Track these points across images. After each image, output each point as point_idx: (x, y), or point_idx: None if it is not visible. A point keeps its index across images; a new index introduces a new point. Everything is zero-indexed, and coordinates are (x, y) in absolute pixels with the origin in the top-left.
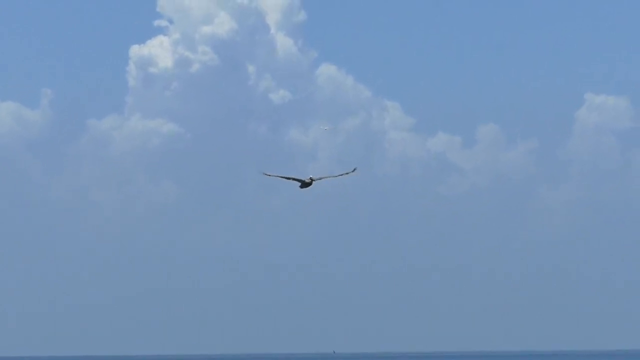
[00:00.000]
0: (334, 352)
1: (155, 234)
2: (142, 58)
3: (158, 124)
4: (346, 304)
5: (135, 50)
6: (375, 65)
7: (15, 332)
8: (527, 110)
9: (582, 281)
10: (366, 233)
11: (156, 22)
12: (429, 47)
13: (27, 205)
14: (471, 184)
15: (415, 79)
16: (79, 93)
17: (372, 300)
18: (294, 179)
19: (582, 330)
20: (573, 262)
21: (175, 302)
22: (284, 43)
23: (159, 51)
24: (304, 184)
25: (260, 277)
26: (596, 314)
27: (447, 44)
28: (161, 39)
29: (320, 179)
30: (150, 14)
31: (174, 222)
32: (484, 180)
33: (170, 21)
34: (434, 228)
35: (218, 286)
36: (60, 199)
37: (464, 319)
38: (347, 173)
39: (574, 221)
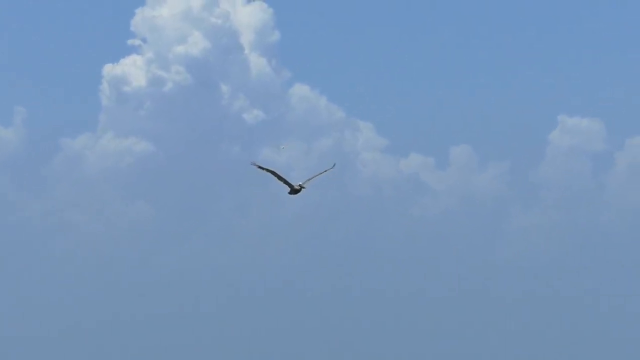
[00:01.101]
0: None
1: (129, 253)
2: (115, 77)
3: (131, 143)
4: (321, 324)
5: (108, 69)
6: (349, 86)
7: None
8: (500, 132)
9: (554, 303)
10: (340, 253)
11: (129, 41)
12: (402, 68)
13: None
14: (444, 205)
15: (389, 100)
16: (53, 111)
17: (347, 320)
18: (284, 181)
19: (554, 352)
20: (546, 283)
21: (150, 323)
22: (257, 63)
23: (132, 70)
24: (293, 191)
25: (235, 298)
26: (569, 336)
27: (420, 65)
28: (134, 58)
29: (307, 180)
30: (123, 33)
31: (148, 241)
32: (456, 202)
33: (144, 40)
34: (407, 249)
35: (193, 306)
36: (33, 218)
37: (437, 340)
38: (326, 170)
39: (546, 243)
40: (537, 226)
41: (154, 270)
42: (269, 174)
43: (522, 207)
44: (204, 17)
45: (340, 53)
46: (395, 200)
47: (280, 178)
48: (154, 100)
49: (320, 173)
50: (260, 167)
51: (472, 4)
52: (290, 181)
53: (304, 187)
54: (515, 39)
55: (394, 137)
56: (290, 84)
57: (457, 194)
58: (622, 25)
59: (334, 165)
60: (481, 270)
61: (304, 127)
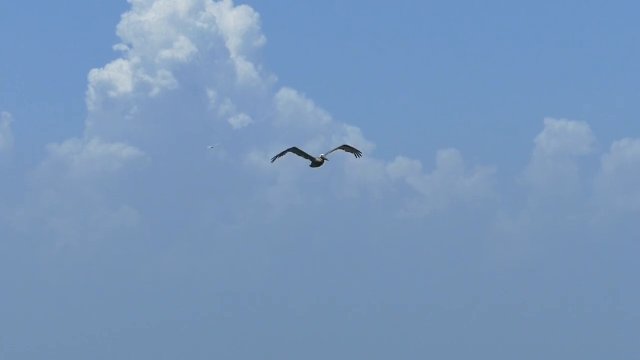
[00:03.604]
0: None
1: (115, 259)
2: (101, 82)
3: (118, 149)
4: (307, 330)
5: (94, 74)
6: (336, 91)
7: None
8: (486, 135)
9: (541, 308)
10: (326, 257)
11: (116, 47)
12: (389, 72)
13: None
14: (431, 209)
15: (376, 105)
16: (39, 117)
17: (334, 326)
18: (305, 155)
19: (541, 357)
20: (533, 287)
21: (135, 329)
22: (244, 67)
23: (119, 75)
24: (315, 163)
25: (220, 304)
26: (556, 340)
27: (407, 69)
28: (121, 63)
29: (330, 152)
30: (109, 38)
31: (134, 247)
32: (444, 206)
33: (130, 45)
34: (393, 253)
35: (179, 313)
36: (19, 223)
37: (423, 344)
38: (357, 150)
39: (533, 247)
40: (524, 230)
41: (140, 276)
42: (289, 152)
43: (509, 210)
44: (190, 21)
45: (327, 58)
46: (382, 204)
47: (300, 153)
48: (140, 105)
49: (343, 147)
50: (278, 156)
51: (457, 8)
52: (311, 155)
53: (326, 159)
54: (501, 43)
55: (381, 141)
56: (277, 89)
57: (444, 197)
58: (607, 29)
59: (360, 153)
60: (468, 274)
61: (291, 131)
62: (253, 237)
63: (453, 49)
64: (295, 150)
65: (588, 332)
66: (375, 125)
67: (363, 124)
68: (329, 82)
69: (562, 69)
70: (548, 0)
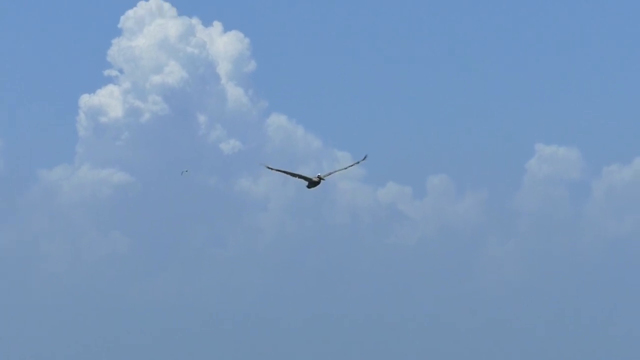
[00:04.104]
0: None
1: (105, 284)
2: (92, 107)
3: (108, 174)
4: (297, 354)
5: (85, 99)
6: (326, 116)
7: None
8: (477, 161)
9: (531, 333)
10: (317, 282)
11: (106, 72)
12: (379, 98)
13: None
14: (421, 235)
15: (366, 130)
16: (29, 142)
17: (323, 349)
18: (299, 176)
19: None
20: (523, 312)
21: (126, 353)
22: (234, 93)
23: (109, 101)
24: (312, 183)
25: (211, 328)
26: None
27: (397, 95)
28: (111, 88)
29: (329, 174)
30: (100, 63)
31: (124, 272)
32: (434, 231)
33: (121, 71)
34: (383, 278)
35: (169, 337)
36: (8, 248)
37: None
38: (357, 162)
39: (524, 271)
40: (515, 255)
41: (130, 301)
42: (283, 174)
43: (499, 235)
44: (180, 47)
45: (317, 83)
46: (373, 229)
47: (294, 175)
48: (131, 130)
49: (347, 167)
50: (271, 169)
51: (448, 33)
52: (305, 175)
53: (323, 179)
54: (492, 68)
55: (371, 166)
56: (267, 114)
57: (435, 223)
58: (597, 54)
59: (365, 157)
60: (458, 299)
61: (281, 157)
62: (244, 262)
63: (444, 75)
64: (287, 172)
65: (578, 354)
66: (365, 150)
67: (353, 149)
68: (319, 107)
69: (553, 95)
70: (538, 27)
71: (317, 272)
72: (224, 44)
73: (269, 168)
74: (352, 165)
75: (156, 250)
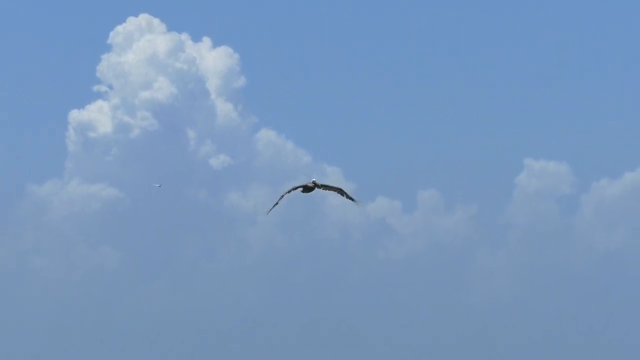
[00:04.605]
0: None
1: (95, 299)
2: (81, 123)
3: (98, 189)
4: None
5: (74, 115)
6: (315, 131)
7: None
8: (467, 176)
9: (521, 346)
10: (307, 297)
11: (95, 87)
12: (369, 113)
13: None
14: (411, 249)
15: (356, 145)
16: (19, 157)
17: None
18: (294, 189)
19: None
20: (513, 326)
21: None
22: (223, 108)
23: (99, 116)
24: (307, 189)
25: (201, 342)
26: None
27: (386, 109)
28: (100, 104)
29: (324, 187)
30: (89, 79)
31: (114, 287)
32: (423, 245)
33: (110, 86)
34: (373, 292)
35: (160, 351)
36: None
37: None
38: (354, 200)
39: (514, 285)
40: (505, 269)
41: (120, 316)
42: (284, 198)
43: (489, 250)
44: (169, 62)
45: (307, 98)
46: (362, 244)
47: (290, 191)
48: (120, 146)
49: (343, 195)
50: (273, 207)
51: (435, 47)
52: (300, 185)
53: (318, 186)
54: (481, 83)
55: (361, 181)
56: (256, 129)
57: (424, 237)
58: (587, 69)
59: (362, 204)
60: (449, 313)
61: (271, 172)
62: (233, 277)
63: (432, 89)
64: (283, 196)
65: None
66: (355, 165)
67: (343, 164)
68: (308, 123)
69: (542, 110)
70: (526, 42)
71: (306, 287)
72: (213, 60)
73: (272, 208)
74: (348, 197)
75: (146, 265)
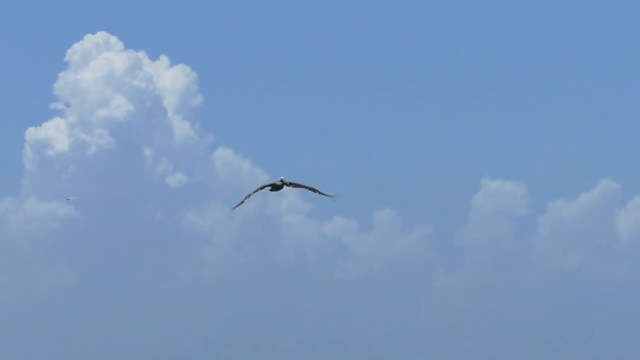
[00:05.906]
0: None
1: (51, 317)
2: (38, 141)
3: (54, 207)
4: None
5: (31, 132)
6: (272, 150)
7: None
8: (423, 196)
9: None
10: (263, 316)
11: (52, 105)
12: (326, 132)
13: None
14: (368, 269)
15: (312, 164)
16: None
17: None
18: (263, 187)
19: None
20: (470, 346)
21: None
22: (181, 126)
23: (55, 134)
24: (275, 187)
25: None
26: None
27: (343, 129)
28: (57, 121)
29: (293, 184)
30: (46, 96)
31: (70, 305)
32: (380, 265)
33: (67, 104)
34: (330, 312)
35: None
36: None
37: None
38: (325, 194)
39: (470, 305)
40: (461, 289)
41: (77, 334)
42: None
43: (445, 270)
44: (127, 80)
45: (264, 117)
46: (319, 264)
47: (257, 190)
48: (77, 164)
49: (315, 191)
50: (240, 204)
51: (394, 68)
52: (267, 184)
53: (286, 184)
54: (438, 103)
55: (317, 201)
56: (213, 148)
57: (381, 257)
58: (544, 87)
59: (335, 196)
60: (405, 334)
61: (228, 190)
62: (191, 295)
63: (389, 110)
64: (249, 195)
65: None
66: (312, 184)
67: None
68: (265, 142)
69: (499, 130)
70: (483, 62)
71: (263, 306)
72: (170, 78)
73: (237, 206)
74: (319, 192)
75: (103, 283)
